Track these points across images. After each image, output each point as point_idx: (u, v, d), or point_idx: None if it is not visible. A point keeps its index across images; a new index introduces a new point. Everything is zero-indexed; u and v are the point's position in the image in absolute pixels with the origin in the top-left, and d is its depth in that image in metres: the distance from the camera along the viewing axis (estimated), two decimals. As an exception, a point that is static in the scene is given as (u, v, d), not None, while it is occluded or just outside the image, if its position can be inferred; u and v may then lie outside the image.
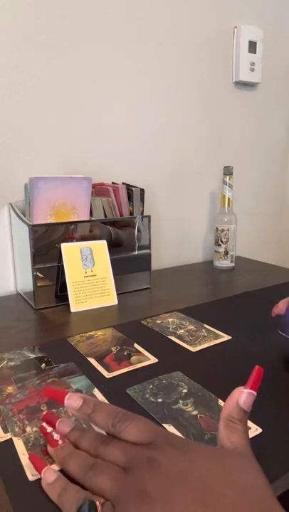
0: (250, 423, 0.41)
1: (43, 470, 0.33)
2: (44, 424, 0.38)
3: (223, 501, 0.26)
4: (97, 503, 0.28)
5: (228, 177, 1.03)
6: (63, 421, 0.37)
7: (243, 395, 0.33)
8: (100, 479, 0.30)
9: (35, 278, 0.75)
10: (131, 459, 0.30)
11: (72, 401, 0.36)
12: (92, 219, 0.81)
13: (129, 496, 0.27)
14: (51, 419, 0.38)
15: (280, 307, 0.56)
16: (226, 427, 0.32)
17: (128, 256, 0.85)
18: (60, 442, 0.35)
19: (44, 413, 0.40)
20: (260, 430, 0.40)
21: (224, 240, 1.04)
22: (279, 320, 0.55)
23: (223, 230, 1.04)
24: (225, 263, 1.05)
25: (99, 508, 0.27)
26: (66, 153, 0.90)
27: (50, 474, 0.32)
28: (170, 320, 0.69)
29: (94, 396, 0.46)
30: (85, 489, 0.30)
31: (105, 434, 0.36)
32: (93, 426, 0.37)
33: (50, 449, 0.35)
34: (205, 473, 0.28)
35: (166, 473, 0.28)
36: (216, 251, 1.06)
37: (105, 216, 0.84)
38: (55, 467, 0.34)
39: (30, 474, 0.35)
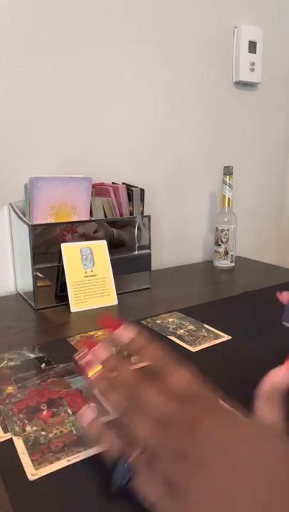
0: (250, 423, 0.41)
1: (81, 410, 0.34)
2: (80, 354, 0.37)
3: (258, 476, 0.25)
4: (133, 456, 0.28)
5: (228, 177, 1.03)
6: (102, 345, 0.36)
7: (280, 373, 0.34)
8: (138, 426, 0.29)
9: (35, 278, 0.75)
10: (172, 413, 0.29)
11: (127, 331, 0.36)
12: (92, 219, 0.81)
13: (166, 455, 0.27)
14: (90, 343, 0.37)
15: (284, 296, 0.57)
16: (264, 404, 0.33)
17: (128, 256, 0.85)
18: (98, 373, 0.35)
19: (84, 339, 0.40)
20: (260, 430, 0.40)
21: (224, 239, 1.04)
22: (283, 312, 0.56)
23: (223, 230, 1.04)
24: (225, 263, 1.05)
25: (134, 465, 0.28)
26: (66, 153, 0.90)
27: (87, 414, 0.34)
28: (170, 320, 0.69)
29: (94, 396, 0.46)
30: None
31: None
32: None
33: (89, 378, 0.35)
34: (243, 447, 0.27)
35: (205, 440, 0.27)
36: (216, 251, 1.06)
37: (105, 216, 0.84)
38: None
39: (30, 474, 0.35)
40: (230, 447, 0.27)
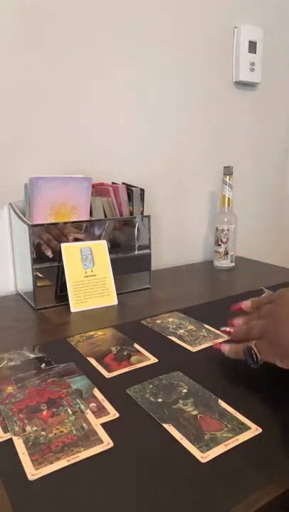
0: (250, 423, 0.41)
1: (221, 345, 0.51)
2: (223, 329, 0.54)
3: None
4: (252, 345, 0.45)
5: (228, 177, 1.03)
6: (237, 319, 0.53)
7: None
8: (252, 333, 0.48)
9: (35, 278, 0.75)
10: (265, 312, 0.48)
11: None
12: (92, 219, 0.81)
13: (266, 325, 0.46)
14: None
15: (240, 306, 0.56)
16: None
17: (128, 256, 0.85)
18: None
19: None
20: (260, 430, 0.40)
21: (224, 239, 1.04)
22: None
23: (223, 230, 1.04)
24: (225, 263, 1.05)
25: (255, 348, 0.45)
26: (66, 153, 0.90)
27: (225, 345, 0.50)
28: (170, 320, 0.69)
29: (94, 396, 0.46)
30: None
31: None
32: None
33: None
34: None
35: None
36: (216, 251, 1.06)
37: (105, 216, 0.84)
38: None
39: (30, 474, 0.35)
40: None
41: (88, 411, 0.43)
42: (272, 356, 0.44)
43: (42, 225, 0.74)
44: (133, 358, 0.55)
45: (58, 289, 0.77)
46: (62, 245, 0.75)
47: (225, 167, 1.03)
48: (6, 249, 0.87)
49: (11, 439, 0.39)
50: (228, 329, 0.53)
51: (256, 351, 0.45)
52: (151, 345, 0.59)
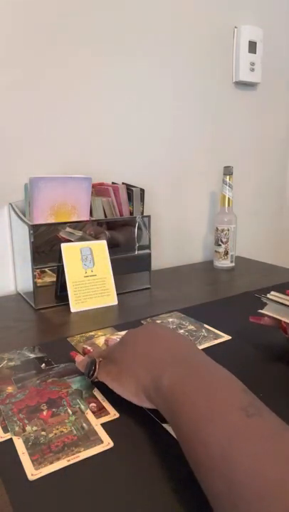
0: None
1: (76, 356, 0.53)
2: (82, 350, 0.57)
3: (164, 345, 0.42)
4: (97, 360, 0.47)
5: (228, 177, 1.03)
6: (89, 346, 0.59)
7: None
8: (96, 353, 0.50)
9: (35, 278, 0.75)
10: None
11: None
12: (93, 219, 0.81)
13: (108, 352, 0.47)
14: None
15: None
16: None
17: (128, 256, 0.85)
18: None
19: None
20: (260, 430, 0.40)
21: (224, 240, 1.04)
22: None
23: (223, 230, 1.04)
24: (225, 263, 1.05)
25: (97, 361, 0.46)
26: (66, 153, 0.90)
27: (79, 356, 0.52)
28: (170, 320, 0.69)
29: (94, 396, 0.46)
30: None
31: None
32: None
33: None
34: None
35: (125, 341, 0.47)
36: (216, 251, 1.06)
37: (105, 216, 0.84)
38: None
39: (30, 474, 0.35)
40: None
41: (88, 411, 0.43)
42: (105, 376, 0.45)
43: (42, 225, 0.74)
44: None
45: (58, 289, 0.77)
46: (63, 245, 0.75)
47: (225, 167, 1.03)
48: (6, 249, 0.87)
49: (11, 439, 0.39)
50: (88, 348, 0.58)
51: (97, 366, 0.46)
52: (151, 345, 0.59)
